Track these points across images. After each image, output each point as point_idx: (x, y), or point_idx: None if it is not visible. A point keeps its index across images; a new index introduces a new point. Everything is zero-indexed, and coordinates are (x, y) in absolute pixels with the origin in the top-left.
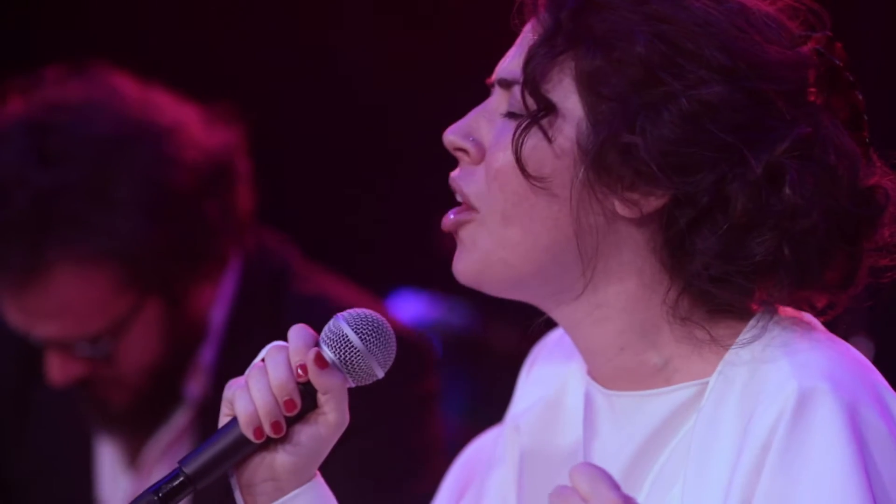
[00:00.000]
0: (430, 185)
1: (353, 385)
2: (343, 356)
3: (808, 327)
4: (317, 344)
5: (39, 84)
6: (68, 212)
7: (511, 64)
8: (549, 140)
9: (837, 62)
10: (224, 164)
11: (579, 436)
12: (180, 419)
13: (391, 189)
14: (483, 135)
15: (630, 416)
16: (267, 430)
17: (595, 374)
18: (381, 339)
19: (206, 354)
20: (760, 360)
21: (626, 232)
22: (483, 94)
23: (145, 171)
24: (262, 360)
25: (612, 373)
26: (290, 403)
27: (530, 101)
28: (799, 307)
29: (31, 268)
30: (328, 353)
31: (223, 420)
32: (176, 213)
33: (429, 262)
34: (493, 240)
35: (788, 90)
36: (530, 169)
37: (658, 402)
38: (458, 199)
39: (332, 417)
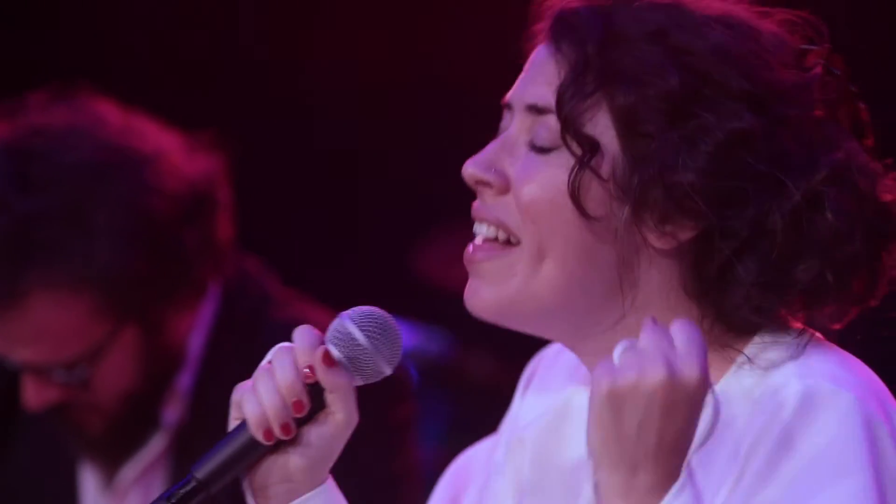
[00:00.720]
0: (408, 214)
1: (361, 383)
2: (350, 354)
3: (818, 339)
4: (323, 343)
5: (22, 110)
6: (48, 238)
7: (537, 89)
8: (604, 179)
9: (837, 73)
10: (204, 192)
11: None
12: (157, 444)
13: (369, 217)
14: (506, 166)
15: None
16: (276, 431)
17: None
18: (388, 336)
19: (184, 380)
20: (767, 365)
21: (657, 264)
22: (457, 118)
23: (125, 199)
24: (269, 361)
25: None
26: (298, 404)
27: (573, 143)
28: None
29: (9, 293)
30: (335, 352)
31: (232, 424)
32: (155, 240)
33: (406, 290)
34: (526, 274)
35: (810, 116)
36: (589, 207)
37: None
38: (484, 231)
39: (340, 417)
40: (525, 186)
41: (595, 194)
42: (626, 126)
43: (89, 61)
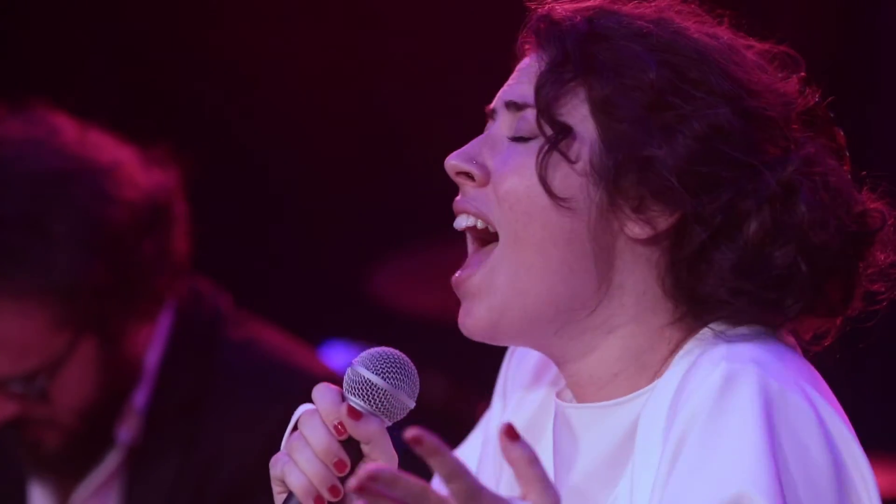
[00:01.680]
0: (363, 235)
1: (390, 423)
2: (373, 401)
3: (766, 332)
4: (343, 398)
5: None
6: (6, 246)
7: (520, 88)
8: (571, 161)
9: (817, 100)
10: (161, 204)
11: (549, 452)
12: (111, 463)
13: (324, 239)
14: (486, 159)
15: (593, 428)
16: (326, 496)
17: (576, 395)
18: (402, 371)
19: (139, 398)
20: (704, 353)
21: (633, 253)
22: (416, 143)
23: (83, 208)
24: (295, 427)
25: (597, 397)
26: (340, 464)
27: (546, 127)
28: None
29: None
30: (358, 403)
31: (279, 499)
32: (114, 250)
33: (360, 312)
34: (508, 275)
35: (784, 116)
36: (555, 187)
37: (620, 412)
38: (464, 222)
39: (381, 461)
40: (503, 175)
41: (569, 179)
42: (603, 112)
43: (46, 75)
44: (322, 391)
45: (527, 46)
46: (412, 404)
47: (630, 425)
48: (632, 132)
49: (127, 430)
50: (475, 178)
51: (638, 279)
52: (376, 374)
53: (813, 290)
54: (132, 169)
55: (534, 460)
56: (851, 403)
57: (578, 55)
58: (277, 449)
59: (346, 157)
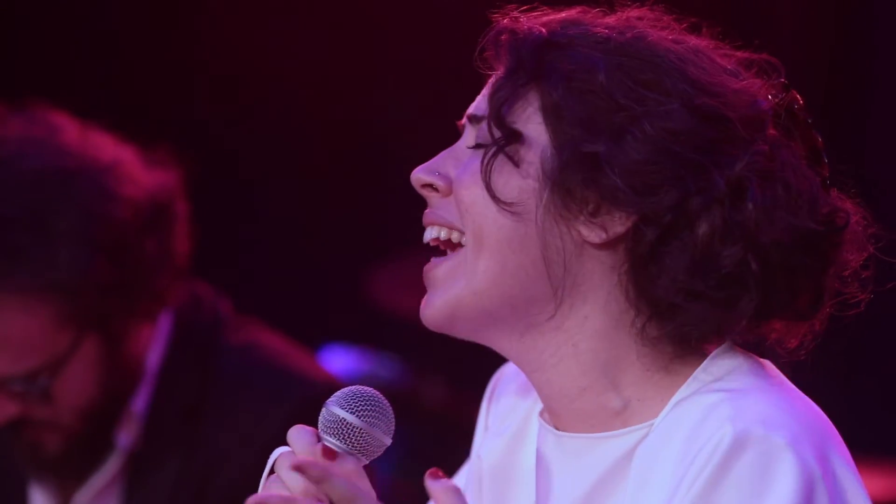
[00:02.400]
0: (363, 239)
1: (368, 461)
2: (349, 440)
3: (762, 371)
4: (319, 438)
5: None
6: (9, 244)
7: (481, 102)
8: (516, 164)
9: (794, 104)
10: (163, 202)
11: (532, 479)
12: (111, 466)
13: (324, 243)
14: (450, 170)
15: (582, 458)
16: None
17: (551, 415)
18: (377, 409)
19: (139, 402)
20: (707, 404)
21: (592, 259)
22: (410, 148)
23: (85, 205)
24: (272, 470)
25: (570, 416)
26: None
27: (496, 131)
28: (766, 347)
29: None
30: (333, 443)
31: None
32: (116, 247)
33: (358, 317)
34: (467, 274)
35: (745, 115)
36: (498, 194)
37: (610, 445)
38: (433, 234)
39: (361, 501)
40: (460, 182)
41: (514, 182)
42: (555, 116)
43: (44, 78)
44: (297, 433)
45: (494, 58)
46: (388, 441)
47: (617, 459)
48: (580, 134)
49: (127, 434)
50: (438, 189)
51: (598, 285)
52: (351, 412)
53: (766, 287)
54: (133, 167)
55: (456, 492)
56: (847, 408)
57: (531, 62)
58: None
59: (345, 161)
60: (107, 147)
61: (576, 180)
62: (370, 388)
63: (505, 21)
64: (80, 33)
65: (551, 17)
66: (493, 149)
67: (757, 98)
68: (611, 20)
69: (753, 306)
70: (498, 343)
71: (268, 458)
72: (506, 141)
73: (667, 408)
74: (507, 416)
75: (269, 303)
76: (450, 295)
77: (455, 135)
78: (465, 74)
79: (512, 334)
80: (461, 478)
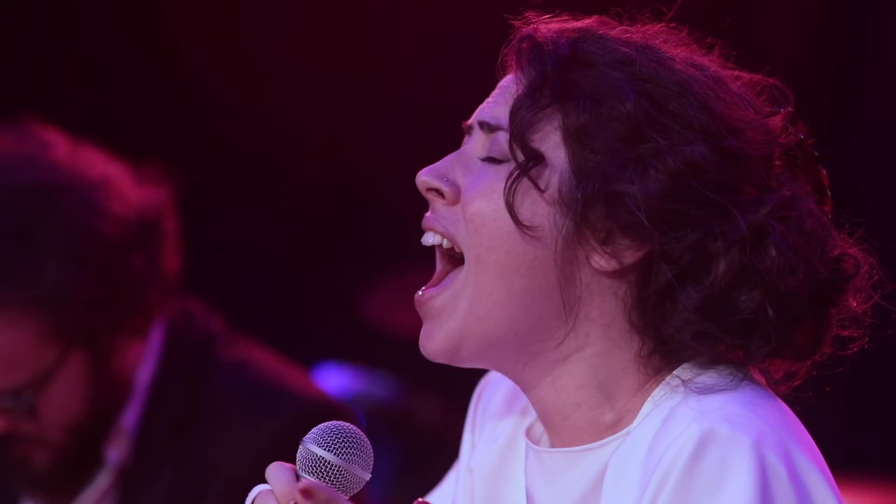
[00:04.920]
0: (356, 257)
1: (348, 497)
2: (327, 477)
3: (734, 371)
4: (297, 476)
5: None
6: None
7: (495, 109)
8: (541, 190)
9: (802, 137)
10: (152, 219)
11: (523, 499)
12: (102, 482)
13: (316, 261)
14: (458, 177)
15: (564, 474)
16: None
17: (547, 428)
18: (355, 446)
19: (129, 418)
20: (676, 408)
21: (600, 286)
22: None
23: (73, 220)
24: None
25: (565, 430)
26: None
27: (518, 152)
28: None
29: None
30: (312, 481)
31: None
32: (104, 263)
33: (351, 335)
34: (470, 299)
35: (765, 154)
36: (520, 213)
37: (590, 458)
38: (430, 239)
39: None
40: (471, 196)
41: (536, 206)
42: (577, 142)
43: (35, 93)
44: (275, 471)
45: (509, 64)
46: (367, 476)
47: (599, 472)
48: (604, 164)
49: (117, 451)
50: (445, 195)
51: (604, 311)
52: (328, 450)
53: (780, 335)
54: (122, 184)
55: None
56: (843, 425)
57: (557, 80)
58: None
59: (339, 175)
60: (96, 163)
61: (597, 212)
62: (347, 424)
63: (527, 29)
64: (72, 50)
65: (570, 25)
66: (517, 171)
67: (776, 135)
68: (630, 35)
69: (766, 352)
70: (496, 366)
71: (258, 473)
72: (530, 164)
73: (640, 414)
74: (495, 424)
75: (261, 321)
76: (452, 326)
77: (453, 135)
78: (453, 84)
79: (511, 357)
80: (448, 485)
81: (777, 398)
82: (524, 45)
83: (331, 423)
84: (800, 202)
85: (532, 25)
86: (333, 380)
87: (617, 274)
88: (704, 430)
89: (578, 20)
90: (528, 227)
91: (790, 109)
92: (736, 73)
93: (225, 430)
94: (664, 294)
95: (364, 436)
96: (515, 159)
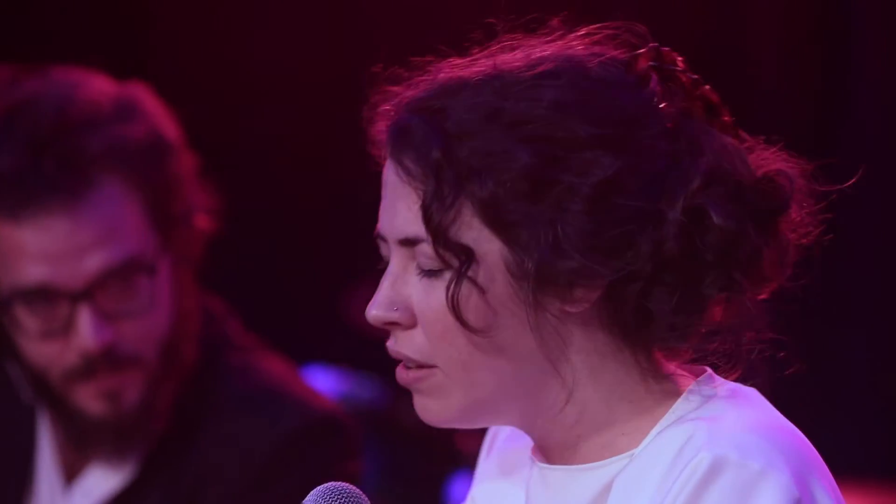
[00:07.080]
0: (341, 258)
1: None
2: None
3: (741, 397)
4: None
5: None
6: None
7: (402, 221)
8: (482, 288)
9: (673, 67)
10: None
11: None
12: (105, 486)
13: (301, 261)
14: (405, 299)
15: (565, 491)
16: None
17: (543, 453)
18: None
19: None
20: (685, 433)
21: (579, 325)
22: None
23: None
24: None
25: (567, 454)
26: None
27: (449, 257)
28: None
29: (78, 183)
30: None
31: None
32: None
33: (337, 337)
34: (462, 387)
35: (663, 129)
36: (472, 321)
37: (591, 476)
38: (402, 364)
39: None
40: (428, 320)
41: (490, 299)
42: (495, 220)
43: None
44: None
45: (381, 146)
46: None
47: (600, 490)
48: (531, 230)
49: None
50: (402, 323)
51: (587, 348)
52: None
53: (751, 278)
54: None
55: None
56: (829, 425)
57: (450, 172)
58: (264, 478)
59: (324, 176)
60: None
61: (551, 273)
62: (345, 484)
63: (389, 111)
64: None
65: (423, 84)
66: (454, 280)
67: (656, 101)
68: (478, 66)
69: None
70: (503, 424)
71: (257, 479)
72: (465, 267)
73: (647, 438)
74: (500, 455)
75: (245, 322)
76: (453, 405)
77: None
78: None
79: (523, 421)
80: None
81: (784, 419)
82: (392, 137)
83: (329, 483)
84: (719, 156)
85: (387, 105)
86: (319, 383)
87: (590, 311)
88: (715, 457)
89: (418, 76)
90: (483, 330)
91: (653, 45)
92: (581, 32)
93: (226, 432)
94: (639, 310)
95: (364, 496)
96: (447, 265)
